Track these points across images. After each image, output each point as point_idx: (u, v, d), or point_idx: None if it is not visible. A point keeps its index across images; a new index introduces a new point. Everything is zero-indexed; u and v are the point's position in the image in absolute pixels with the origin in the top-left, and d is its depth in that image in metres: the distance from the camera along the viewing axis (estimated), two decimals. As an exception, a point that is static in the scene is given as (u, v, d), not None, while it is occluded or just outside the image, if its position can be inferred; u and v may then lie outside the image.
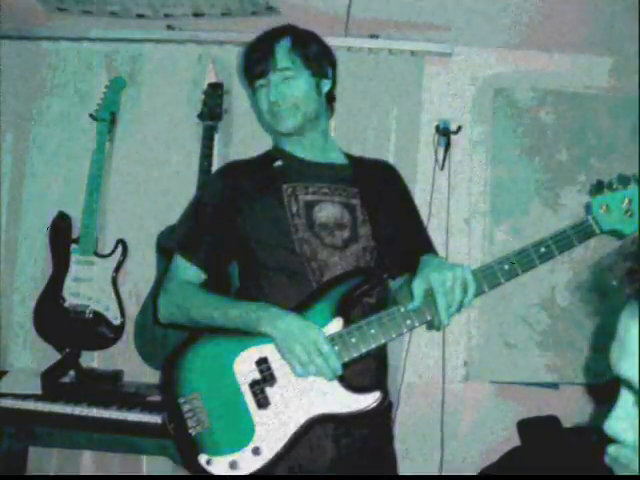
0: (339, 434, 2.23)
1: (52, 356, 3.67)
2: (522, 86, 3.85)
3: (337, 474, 2.22)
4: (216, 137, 3.68)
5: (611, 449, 1.08)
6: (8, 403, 3.27)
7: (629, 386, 1.04)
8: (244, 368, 2.16)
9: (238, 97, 3.82)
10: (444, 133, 3.79)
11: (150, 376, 3.60)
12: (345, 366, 2.11)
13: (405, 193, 2.63)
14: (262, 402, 2.13)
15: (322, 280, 2.26)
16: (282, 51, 2.39)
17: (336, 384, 2.12)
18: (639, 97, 3.57)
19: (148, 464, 3.75)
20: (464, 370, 3.80)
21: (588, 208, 2.16)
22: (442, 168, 3.81)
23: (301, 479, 2.20)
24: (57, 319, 3.67)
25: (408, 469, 3.44)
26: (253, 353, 2.17)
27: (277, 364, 2.15)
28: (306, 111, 2.40)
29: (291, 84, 2.38)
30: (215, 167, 3.56)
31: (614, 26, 3.53)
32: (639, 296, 0.99)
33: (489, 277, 2.10)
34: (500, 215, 3.79)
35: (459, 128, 3.80)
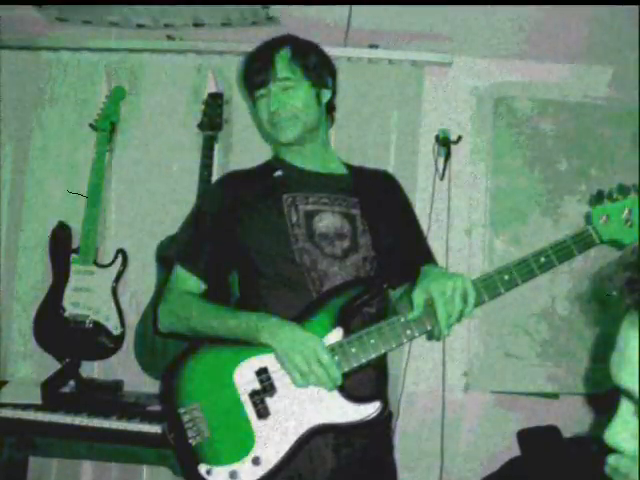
0: (339, 444, 2.22)
1: (52, 366, 3.66)
2: (522, 96, 3.86)
3: (337, 484, 2.22)
4: (216, 147, 3.68)
5: (611, 459, 1.08)
6: (8, 413, 3.26)
7: (629, 396, 1.04)
8: (244, 378, 2.16)
9: (238, 107, 3.83)
10: (444, 143, 3.79)
11: (150, 386, 3.60)
12: (345, 376, 2.10)
13: (405, 203, 2.63)
14: (262, 412, 2.13)
15: (322, 290, 2.26)
16: (282, 61, 2.39)
17: (336, 394, 2.11)
18: (639, 107, 3.58)
19: (148, 474, 3.75)
20: (464, 380, 3.79)
21: (588, 218, 2.16)
22: (442, 178, 3.81)
23: (301, 489, 2.20)
24: (57, 329, 3.66)
25: (408, 479, 3.44)
26: (253, 363, 2.17)
27: (277, 374, 2.14)
28: (306, 121, 2.40)
29: (291, 94, 2.38)
30: (215, 177, 3.56)
31: (614, 36, 3.53)
32: (639, 306, 0.98)
33: (489, 287, 2.10)
34: (500, 225, 3.80)
35: (459, 138, 3.80)
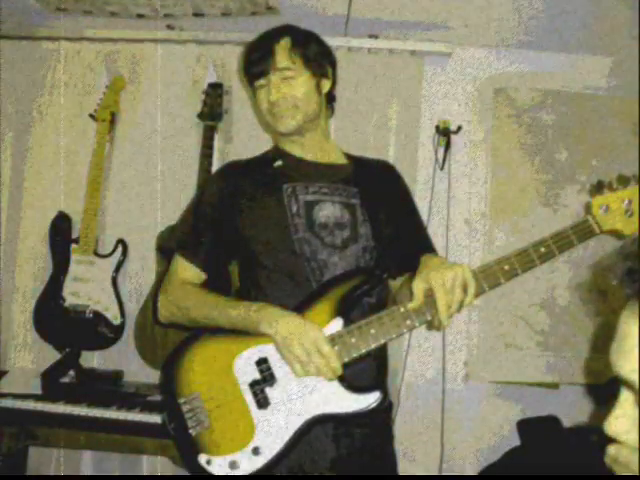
0: (339, 434, 2.22)
1: (52, 356, 3.67)
2: (522, 86, 3.85)
3: (337, 474, 2.21)
4: (216, 137, 3.68)
5: (611, 449, 1.08)
6: (8, 403, 3.27)
7: (629, 386, 1.04)
8: (244, 368, 2.16)
9: (238, 97, 3.82)
10: (444, 133, 3.80)
11: (150, 376, 3.60)
12: (345, 366, 2.10)
13: (405, 193, 2.62)
14: (262, 402, 2.13)
15: (322, 280, 2.25)
16: (282, 51, 2.38)
17: (336, 384, 2.11)
18: (639, 97, 3.57)
19: (148, 464, 3.75)
20: (464, 370, 3.80)
21: (588, 208, 2.15)
22: (442, 168, 3.81)
23: (301, 479, 2.20)
24: (57, 319, 3.67)
25: (408, 469, 3.45)
26: (253, 353, 2.17)
27: (277, 364, 2.14)
28: (306, 111, 2.39)
29: (291, 84, 2.37)
30: (215, 167, 3.56)
31: (614, 26, 3.53)
32: (639, 296, 0.98)
33: (489, 277, 2.09)
34: (500, 215, 3.80)
35: (459, 128, 3.80)
